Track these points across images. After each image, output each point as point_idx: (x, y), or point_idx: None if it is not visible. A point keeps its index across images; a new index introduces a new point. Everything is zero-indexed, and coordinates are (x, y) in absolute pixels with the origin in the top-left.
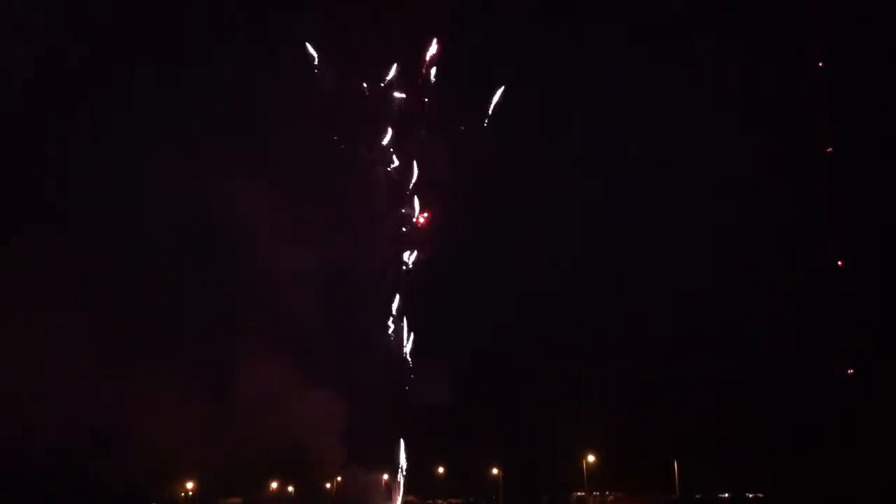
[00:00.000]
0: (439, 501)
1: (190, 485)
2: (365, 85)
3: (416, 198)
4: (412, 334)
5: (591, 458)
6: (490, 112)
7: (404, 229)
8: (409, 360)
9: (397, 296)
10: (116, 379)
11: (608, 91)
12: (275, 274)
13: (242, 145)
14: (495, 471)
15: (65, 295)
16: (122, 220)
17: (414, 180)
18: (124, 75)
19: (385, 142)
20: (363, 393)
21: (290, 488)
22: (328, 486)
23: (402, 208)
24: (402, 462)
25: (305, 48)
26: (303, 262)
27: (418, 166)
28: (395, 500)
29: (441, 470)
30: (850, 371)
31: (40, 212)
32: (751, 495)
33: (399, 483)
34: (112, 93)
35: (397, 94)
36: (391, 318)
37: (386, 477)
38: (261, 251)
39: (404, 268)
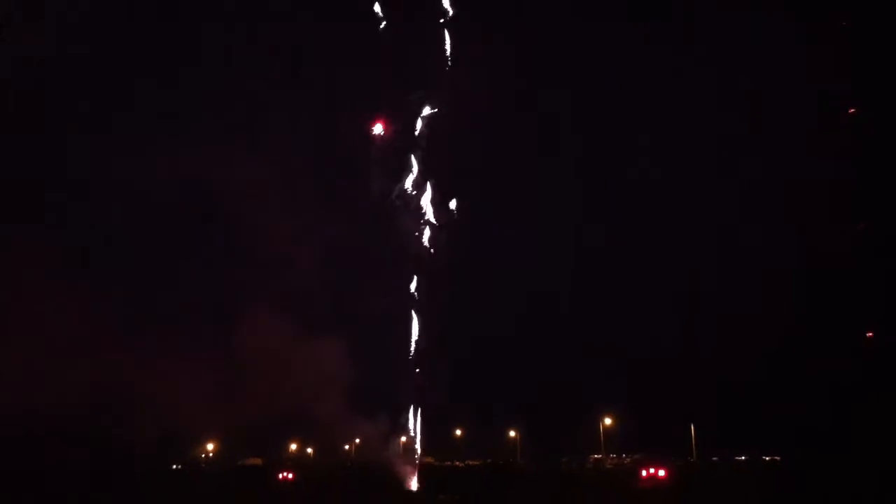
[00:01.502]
0: (457, 462)
1: (210, 446)
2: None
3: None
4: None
5: (608, 422)
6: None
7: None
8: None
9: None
10: (125, 347)
11: (607, 91)
12: (277, 240)
13: (243, 123)
14: (513, 433)
15: (73, 267)
16: (126, 191)
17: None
18: (130, 61)
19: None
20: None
21: (310, 450)
22: (346, 447)
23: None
24: (419, 424)
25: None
26: (304, 229)
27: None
28: (413, 462)
29: (459, 432)
30: (870, 334)
31: (49, 181)
32: (767, 458)
33: (417, 444)
34: (119, 76)
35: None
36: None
37: (404, 439)
38: (263, 219)
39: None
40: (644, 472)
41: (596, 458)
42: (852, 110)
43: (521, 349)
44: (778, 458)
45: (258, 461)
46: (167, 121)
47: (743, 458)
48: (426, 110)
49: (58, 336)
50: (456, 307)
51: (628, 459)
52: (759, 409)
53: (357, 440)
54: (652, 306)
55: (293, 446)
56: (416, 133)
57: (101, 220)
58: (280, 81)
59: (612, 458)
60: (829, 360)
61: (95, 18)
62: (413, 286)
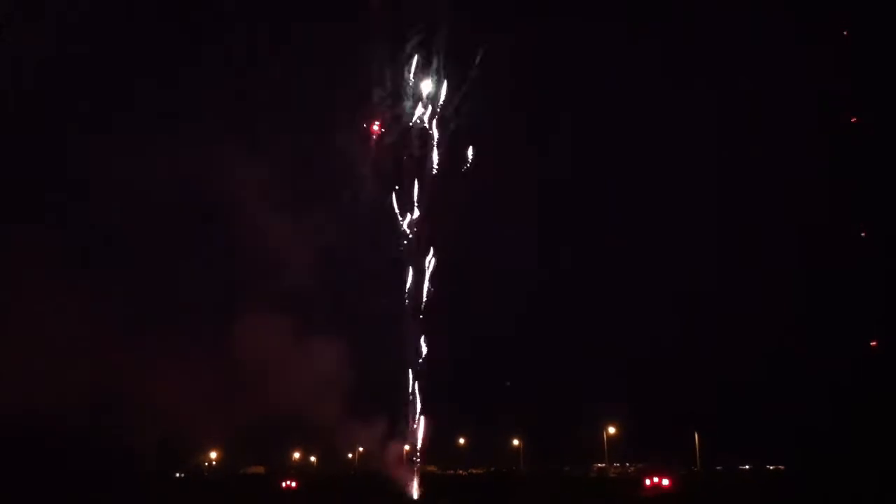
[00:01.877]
0: (460, 471)
1: (214, 454)
2: None
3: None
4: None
5: (611, 430)
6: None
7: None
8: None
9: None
10: (124, 348)
11: (607, 91)
12: (277, 240)
13: (244, 122)
14: (516, 442)
15: (72, 267)
16: (126, 190)
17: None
18: (130, 61)
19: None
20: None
21: (313, 458)
22: (350, 455)
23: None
24: (422, 432)
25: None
26: (303, 228)
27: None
28: (416, 470)
29: (462, 441)
30: (874, 343)
31: (49, 181)
32: (771, 467)
33: (419, 453)
34: (119, 76)
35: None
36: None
37: (407, 447)
38: (263, 219)
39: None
40: (648, 482)
41: (599, 467)
42: (854, 119)
43: (521, 349)
44: (782, 467)
45: (261, 469)
46: (167, 121)
47: (747, 467)
48: (423, 109)
49: (56, 336)
50: (456, 307)
51: (632, 468)
52: (760, 410)
53: (360, 448)
54: (652, 306)
55: (296, 454)
56: (414, 133)
57: (100, 220)
58: (280, 81)
59: (616, 466)
60: (829, 361)
61: (95, 18)
62: (411, 286)
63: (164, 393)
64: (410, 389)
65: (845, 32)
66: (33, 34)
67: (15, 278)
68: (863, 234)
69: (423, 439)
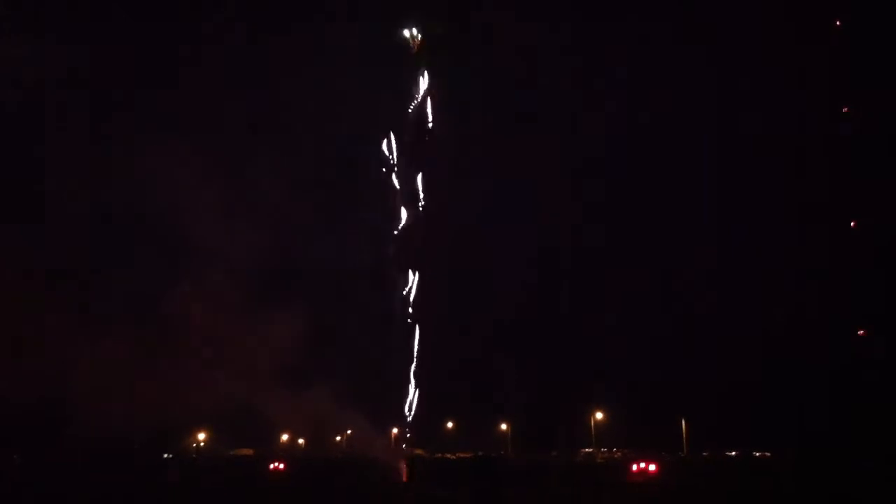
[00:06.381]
0: (448, 455)
1: (202, 436)
2: None
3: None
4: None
5: (598, 416)
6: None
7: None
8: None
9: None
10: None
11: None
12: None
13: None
14: (504, 426)
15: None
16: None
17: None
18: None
19: None
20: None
21: (301, 441)
22: (338, 438)
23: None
24: (411, 416)
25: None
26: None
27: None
28: (403, 454)
29: (450, 424)
30: (861, 332)
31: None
32: (758, 454)
33: (407, 437)
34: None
35: None
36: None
37: (395, 431)
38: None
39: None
40: (635, 467)
41: (586, 452)
42: (845, 109)
43: (519, 348)
44: (769, 454)
45: (249, 452)
46: (165, 121)
47: (734, 453)
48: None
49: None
50: (455, 306)
51: (619, 454)
52: (758, 408)
53: (349, 431)
54: (651, 306)
55: (284, 437)
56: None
57: (93, 219)
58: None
59: (603, 452)
60: (828, 360)
61: (94, 19)
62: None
63: (150, 380)
64: (401, 374)
65: (838, 23)
66: (33, 35)
67: None
68: (852, 224)
69: (412, 423)
